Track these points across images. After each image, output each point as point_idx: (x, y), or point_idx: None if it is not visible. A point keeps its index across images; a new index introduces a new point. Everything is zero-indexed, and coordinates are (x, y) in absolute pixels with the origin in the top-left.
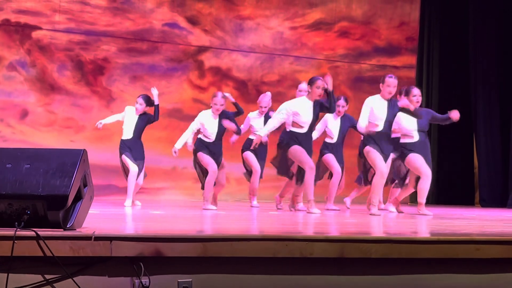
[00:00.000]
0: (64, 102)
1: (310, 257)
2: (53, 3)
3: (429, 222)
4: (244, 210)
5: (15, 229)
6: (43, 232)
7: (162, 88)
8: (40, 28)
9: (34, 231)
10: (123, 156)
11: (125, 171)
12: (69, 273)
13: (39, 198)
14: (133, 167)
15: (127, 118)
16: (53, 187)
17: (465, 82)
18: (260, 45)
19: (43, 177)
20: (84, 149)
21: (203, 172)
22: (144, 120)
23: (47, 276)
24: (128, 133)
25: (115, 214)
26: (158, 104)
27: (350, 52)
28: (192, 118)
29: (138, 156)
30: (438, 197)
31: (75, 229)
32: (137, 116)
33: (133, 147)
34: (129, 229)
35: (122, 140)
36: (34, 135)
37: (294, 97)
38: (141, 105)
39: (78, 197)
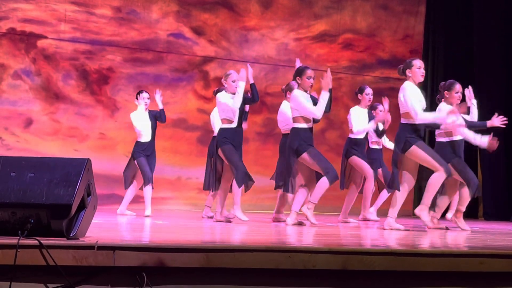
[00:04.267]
0: (69, 111)
1: (313, 269)
2: (58, 12)
3: (432, 235)
4: (247, 221)
5: (18, 237)
6: (46, 241)
7: (167, 98)
8: (45, 37)
9: (37, 240)
10: (142, 160)
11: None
12: (71, 282)
13: (43, 207)
14: (149, 177)
15: (141, 121)
16: (57, 196)
17: None
18: (265, 56)
19: (47, 186)
20: (88, 159)
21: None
22: (154, 118)
23: (50, 286)
24: (147, 136)
25: (118, 224)
26: (163, 109)
27: (353, 64)
28: (196, 128)
29: (153, 161)
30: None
31: (78, 238)
32: (148, 115)
33: (150, 151)
34: (132, 239)
35: (140, 143)
36: (38, 144)
37: None
38: (149, 100)
39: (82, 206)
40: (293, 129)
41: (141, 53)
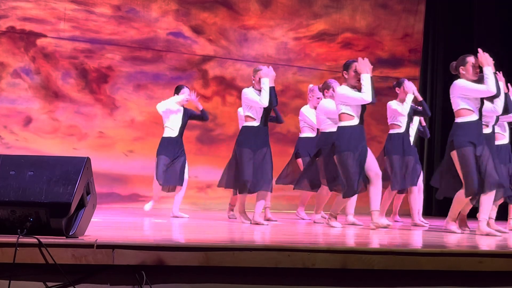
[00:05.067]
0: (68, 109)
1: (312, 268)
2: (58, 11)
3: (432, 234)
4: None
5: (18, 236)
6: (45, 239)
7: (166, 97)
8: (45, 36)
9: (36, 238)
10: (161, 159)
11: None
12: (71, 281)
13: (42, 206)
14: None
15: (174, 113)
16: (56, 195)
17: None
18: (264, 55)
19: (46, 184)
20: (88, 157)
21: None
22: (187, 116)
23: (49, 284)
24: (174, 131)
25: (117, 222)
26: (203, 109)
27: None
28: (195, 127)
29: (182, 159)
30: (440, 208)
31: (77, 237)
32: (182, 110)
33: (177, 148)
34: (132, 237)
35: (166, 138)
36: (37, 142)
37: (297, 107)
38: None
39: (81, 204)
40: (339, 127)
41: (141, 52)
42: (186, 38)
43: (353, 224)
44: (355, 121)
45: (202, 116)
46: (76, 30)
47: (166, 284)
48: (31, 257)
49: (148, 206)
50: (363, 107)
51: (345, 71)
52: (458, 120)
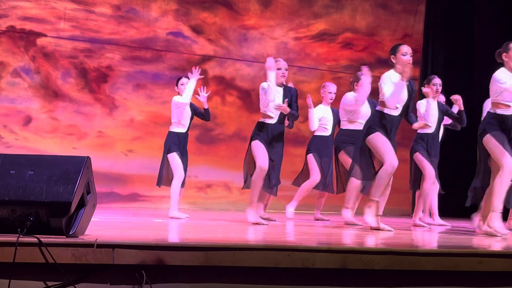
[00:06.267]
0: (68, 109)
1: (312, 268)
2: (58, 10)
3: (432, 234)
4: (245, 220)
5: (18, 235)
6: (45, 238)
7: (165, 97)
8: (45, 35)
9: (36, 237)
10: (174, 156)
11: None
12: (71, 280)
13: (42, 205)
14: (180, 170)
15: (180, 108)
16: (56, 194)
17: (469, 96)
18: (264, 55)
19: (46, 183)
20: (88, 156)
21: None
22: (193, 110)
23: (49, 283)
24: (185, 126)
25: (117, 222)
26: (207, 108)
27: (353, 63)
28: (195, 127)
29: (186, 158)
30: (440, 208)
31: (77, 236)
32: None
33: (183, 145)
34: (132, 237)
35: (174, 133)
36: (37, 141)
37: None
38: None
39: (81, 204)
40: (376, 111)
41: (140, 52)
42: (185, 38)
43: (353, 224)
44: (396, 112)
45: (204, 115)
46: (76, 30)
47: (166, 284)
48: (31, 256)
49: (178, 214)
50: (405, 101)
51: (392, 56)
52: (491, 110)
